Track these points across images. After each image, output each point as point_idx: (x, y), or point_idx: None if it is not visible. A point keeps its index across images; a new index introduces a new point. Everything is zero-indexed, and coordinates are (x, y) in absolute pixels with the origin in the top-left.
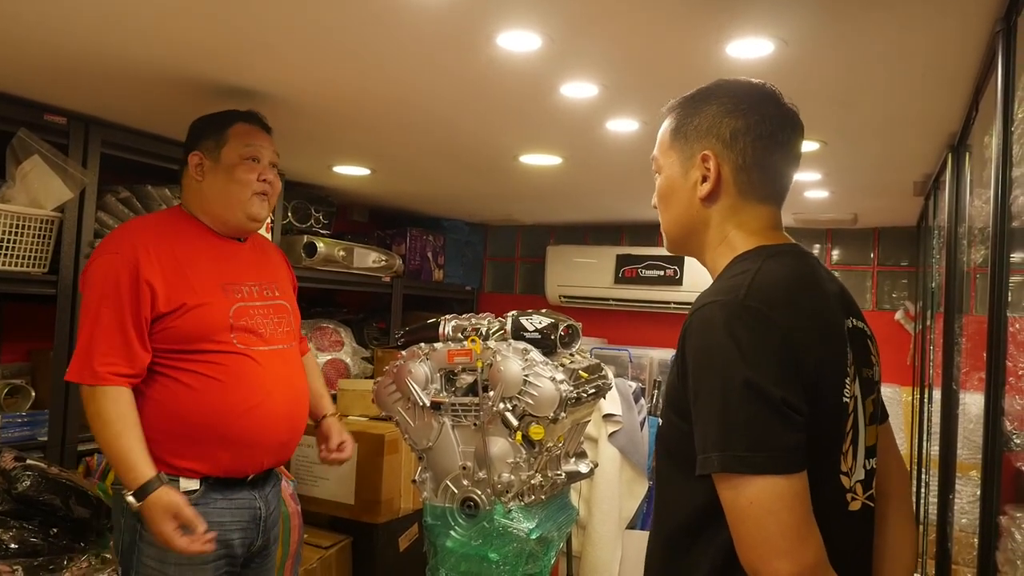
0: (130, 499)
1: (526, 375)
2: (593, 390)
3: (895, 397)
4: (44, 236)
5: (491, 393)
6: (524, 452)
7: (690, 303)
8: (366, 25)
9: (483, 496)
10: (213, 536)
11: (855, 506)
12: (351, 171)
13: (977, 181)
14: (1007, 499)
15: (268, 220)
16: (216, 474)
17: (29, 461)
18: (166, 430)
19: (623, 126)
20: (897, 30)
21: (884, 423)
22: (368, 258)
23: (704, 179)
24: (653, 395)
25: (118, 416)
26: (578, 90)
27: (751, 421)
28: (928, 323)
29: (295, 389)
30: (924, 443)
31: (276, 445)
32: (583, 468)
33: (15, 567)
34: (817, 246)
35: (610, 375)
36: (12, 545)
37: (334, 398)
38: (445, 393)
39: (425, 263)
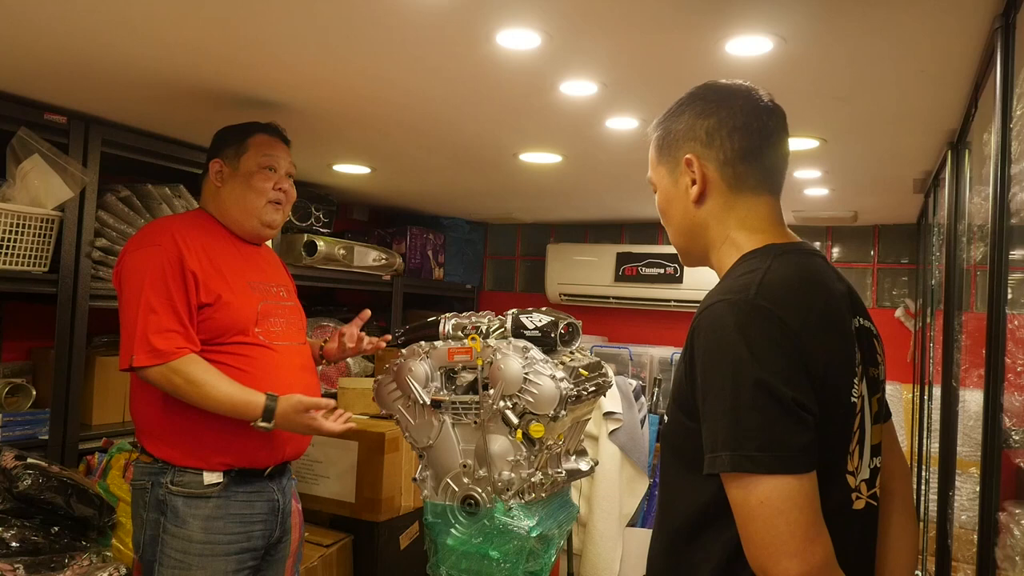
0: (263, 425)
1: (526, 373)
2: (593, 388)
3: (895, 394)
4: (45, 235)
5: (491, 391)
6: (524, 450)
7: (690, 301)
8: (366, 24)
9: (484, 494)
10: (348, 416)
11: (859, 505)
12: (351, 170)
13: (977, 178)
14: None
15: None
16: (242, 465)
17: (30, 460)
18: (197, 420)
19: (623, 124)
20: (896, 27)
21: (888, 422)
22: (368, 257)
23: (693, 182)
24: (653, 393)
25: (204, 372)
26: (578, 88)
27: (762, 421)
28: (928, 320)
29: (311, 384)
30: (924, 440)
31: (297, 436)
32: (583, 466)
33: (16, 565)
34: (817, 243)
35: (610, 373)
36: (13, 544)
37: (335, 396)
38: (445, 391)
39: (425, 261)
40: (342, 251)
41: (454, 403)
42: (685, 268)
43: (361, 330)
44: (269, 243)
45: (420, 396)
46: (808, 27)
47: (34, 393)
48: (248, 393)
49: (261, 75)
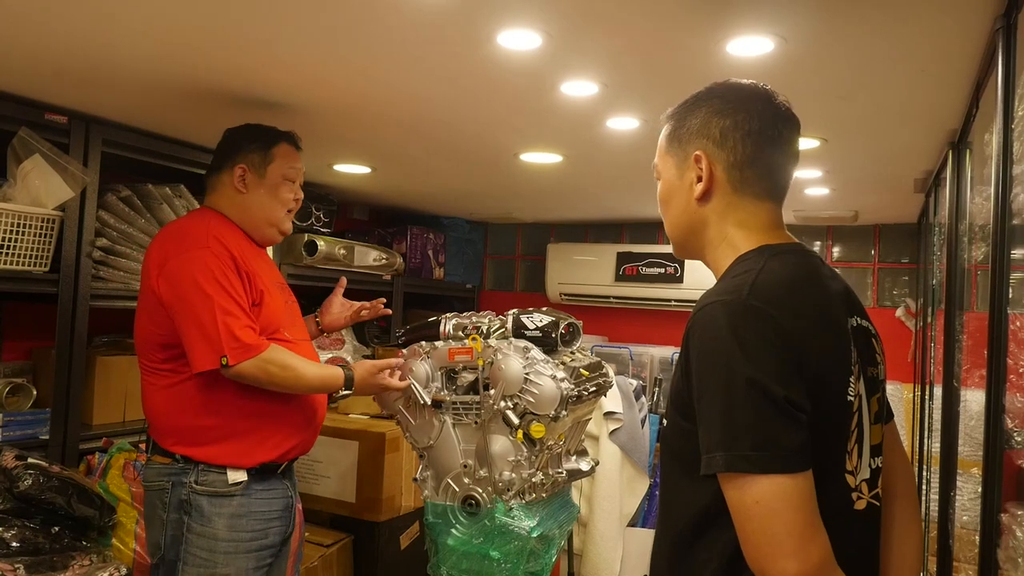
0: (345, 392)
1: (527, 373)
2: (594, 388)
3: (896, 394)
4: (45, 235)
5: (492, 391)
6: (525, 450)
7: (691, 301)
8: (367, 24)
9: (484, 494)
10: (405, 373)
11: (861, 505)
12: (352, 169)
13: (978, 178)
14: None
15: None
16: (272, 459)
17: (31, 460)
18: (236, 415)
19: (623, 124)
20: (897, 27)
21: (889, 422)
22: (369, 256)
23: (698, 179)
24: (654, 393)
25: (291, 357)
26: (578, 88)
27: (755, 420)
28: (929, 320)
29: None
30: (925, 440)
31: (316, 429)
32: (584, 466)
33: (16, 565)
34: (818, 243)
35: (611, 373)
36: (14, 543)
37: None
38: (446, 391)
39: (426, 261)
40: (342, 251)
41: (455, 403)
42: (686, 268)
43: (362, 337)
44: None
45: (421, 396)
46: (809, 27)
47: (35, 393)
48: (329, 368)
49: (262, 75)
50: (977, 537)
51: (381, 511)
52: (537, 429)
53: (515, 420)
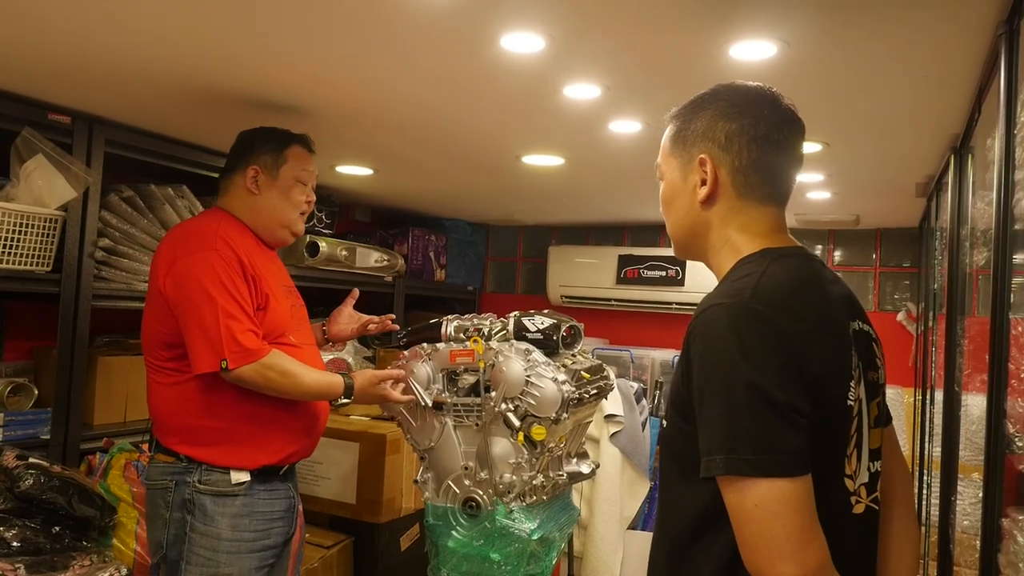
0: (344, 401)
1: (528, 376)
2: (595, 391)
3: (897, 398)
4: (48, 235)
5: (493, 393)
6: (526, 452)
7: (692, 304)
8: (370, 26)
9: (485, 496)
10: (408, 384)
11: (859, 509)
12: (354, 171)
13: (979, 183)
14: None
15: None
16: (274, 462)
17: (32, 460)
18: (239, 417)
19: (626, 127)
20: (899, 32)
21: (888, 426)
22: (370, 258)
23: (703, 182)
24: (655, 396)
25: (292, 363)
26: (581, 91)
27: (755, 424)
28: (930, 324)
29: None
30: (926, 444)
31: (318, 434)
32: (585, 469)
33: (17, 565)
34: (819, 247)
35: (612, 376)
36: (15, 543)
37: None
38: (447, 393)
39: (427, 263)
40: (344, 252)
41: (456, 405)
42: (687, 271)
43: (363, 338)
44: None
45: (422, 398)
46: (811, 31)
47: (36, 393)
48: (329, 376)
49: (264, 76)
50: (978, 542)
51: (381, 513)
52: (538, 431)
53: (516, 422)
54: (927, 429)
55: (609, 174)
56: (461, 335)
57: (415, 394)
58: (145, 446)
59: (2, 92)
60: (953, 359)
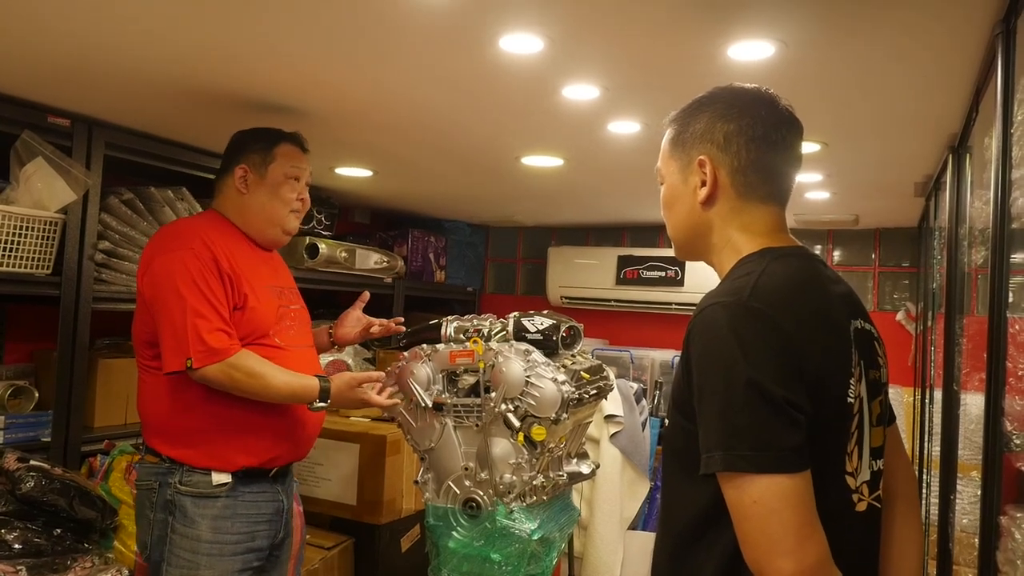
0: (320, 405)
1: (528, 376)
2: (595, 391)
3: (896, 398)
4: (48, 238)
5: (493, 394)
6: (526, 453)
7: (691, 304)
8: (369, 28)
9: (485, 497)
10: (393, 391)
11: (861, 507)
12: (353, 172)
13: (978, 182)
14: (1008, 499)
15: None
16: (254, 464)
17: (33, 462)
18: (199, 424)
19: (624, 128)
20: (897, 32)
21: (891, 425)
22: (370, 259)
23: (703, 183)
24: (654, 396)
25: (260, 364)
26: (580, 92)
27: (754, 421)
28: (929, 324)
29: None
30: (925, 443)
31: (306, 438)
32: (585, 469)
33: (19, 567)
34: (818, 247)
35: (612, 376)
36: (16, 546)
37: None
38: (447, 394)
39: (427, 264)
40: (344, 254)
41: (456, 406)
42: (686, 271)
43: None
44: None
45: (422, 399)
46: (809, 31)
47: (36, 395)
48: (303, 378)
49: (264, 78)
50: (977, 540)
51: (382, 514)
52: (538, 432)
53: (516, 423)
54: (926, 428)
55: (608, 175)
56: (461, 336)
57: (416, 396)
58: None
59: (1, 95)
60: (952, 358)
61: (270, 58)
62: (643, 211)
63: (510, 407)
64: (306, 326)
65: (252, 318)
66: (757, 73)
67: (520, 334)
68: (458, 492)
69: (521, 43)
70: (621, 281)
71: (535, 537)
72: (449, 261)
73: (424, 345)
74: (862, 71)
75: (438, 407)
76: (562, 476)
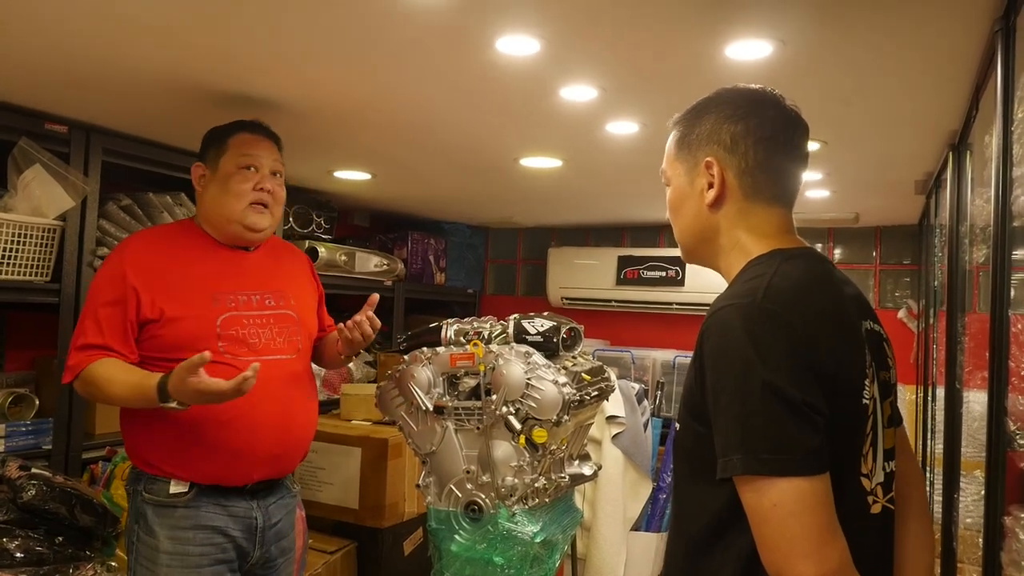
0: (171, 405)
1: (529, 378)
2: (596, 392)
3: (899, 396)
4: (46, 245)
5: (494, 397)
6: (528, 455)
7: (692, 304)
8: (367, 30)
9: (487, 500)
10: (250, 374)
11: (876, 509)
12: (352, 176)
13: (978, 180)
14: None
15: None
16: (202, 482)
17: (34, 470)
18: (154, 433)
19: (623, 128)
20: (896, 30)
21: (900, 426)
22: (370, 262)
23: (710, 186)
24: (656, 396)
25: (107, 368)
26: (578, 93)
27: (772, 423)
28: (931, 321)
29: (291, 400)
30: (928, 442)
31: (266, 457)
32: (587, 470)
33: (21, 575)
34: (819, 245)
35: (613, 377)
36: (18, 554)
37: (337, 403)
38: (448, 397)
39: (427, 266)
40: (343, 257)
41: (457, 409)
42: (687, 271)
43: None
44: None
45: (423, 402)
46: (808, 30)
47: (37, 403)
48: (144, 380)
49: (262, 81)
50: (981, 539)
51: (384, 517)
52: (539, 434)
53: (517, 425)
54: (929, 426)
55: (607, 175)
56: (461, 338)
57: (416, 399)
58: None
59: None
60: (954, 356)
61: (267, 63)
62: (643, 211)
63: (511, 409)
64: (287, 334)
65: (173, 331)
66: (756, 72)
67: (520, 336)
68: (460, 495)
69: (518, 45)
70: (621, 281)
71: (538, 540)
72: (449, 263)
73: (424, 348)
74: (861, 69)
75: (439, 410)
76: (564, 478)
